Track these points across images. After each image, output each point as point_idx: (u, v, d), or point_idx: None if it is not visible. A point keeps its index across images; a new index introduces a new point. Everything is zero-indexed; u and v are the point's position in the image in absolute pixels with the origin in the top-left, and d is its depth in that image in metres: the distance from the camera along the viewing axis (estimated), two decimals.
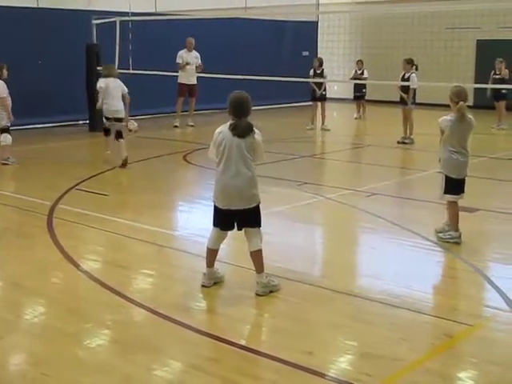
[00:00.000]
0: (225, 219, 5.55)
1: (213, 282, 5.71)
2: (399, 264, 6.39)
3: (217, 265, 5.76)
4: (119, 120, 11.35)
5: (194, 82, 16.52)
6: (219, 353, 4.51)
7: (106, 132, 11.63)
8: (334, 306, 5.31)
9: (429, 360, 4.41)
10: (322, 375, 4.19)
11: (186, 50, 16.33)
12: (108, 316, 5.11)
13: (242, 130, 5.36)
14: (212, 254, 5.70)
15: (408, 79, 13.98)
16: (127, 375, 4.18)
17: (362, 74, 18.68)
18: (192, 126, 16.71)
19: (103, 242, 7.21)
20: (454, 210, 7.02)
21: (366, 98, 19.27)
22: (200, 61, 16.40)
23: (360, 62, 18.82)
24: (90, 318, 5.07)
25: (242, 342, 4.67)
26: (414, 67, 14.13)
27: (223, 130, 5.45)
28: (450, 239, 6.93)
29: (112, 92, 11.22)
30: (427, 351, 4.54)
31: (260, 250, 5.52)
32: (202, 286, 5.66)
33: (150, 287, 5.94)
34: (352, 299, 5.45)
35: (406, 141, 14.00)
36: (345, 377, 4.16)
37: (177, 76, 16.11)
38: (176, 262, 6.52)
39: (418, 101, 18.73)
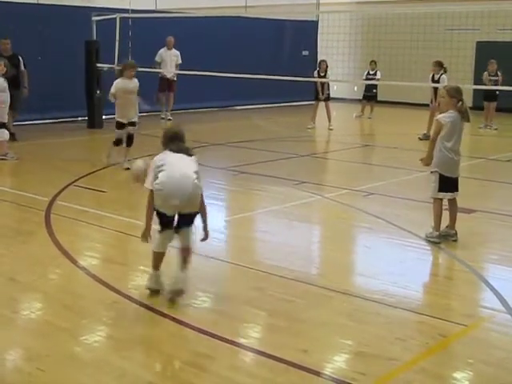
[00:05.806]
0: (170, 221, 5.34)
1: (158, 286, 5.48)
2: (395, 264, 6.41)
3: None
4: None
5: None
6: (214, 350, 4.51)
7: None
8: (329, 305, 5.33)
9: (423, 360, 4.42)
10: (317, 373, 4.20)
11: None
12: (104, 312, 5.12)
13: (185, 148, 5.32)
14: (161, 258, 5.47)
15: (438, 80, 14.19)
16: (123, 371, 4.19)
17: (375, 74, 18.66)
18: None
19: (101, 239, 7.22)
20: (437, 209, 7.02)
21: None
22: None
23: (373, 63, 18.81)
24: (86, 314, 5.08)
25: (238, 340, 4.68)
26: (443, 69, 14.50)
27: (163, 157, 5.29)
28: (431, 238, 6.96)
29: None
30: (422, 351, 4.56)
31: (191, 248, 5.39)
32: (147, 288, 5.46)
33: None
34: (348, 298, 5.47)
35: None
36: (339, 375, 4.18)
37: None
38: (172, 260, 6.51)
39: (418, 101, 18.79)
